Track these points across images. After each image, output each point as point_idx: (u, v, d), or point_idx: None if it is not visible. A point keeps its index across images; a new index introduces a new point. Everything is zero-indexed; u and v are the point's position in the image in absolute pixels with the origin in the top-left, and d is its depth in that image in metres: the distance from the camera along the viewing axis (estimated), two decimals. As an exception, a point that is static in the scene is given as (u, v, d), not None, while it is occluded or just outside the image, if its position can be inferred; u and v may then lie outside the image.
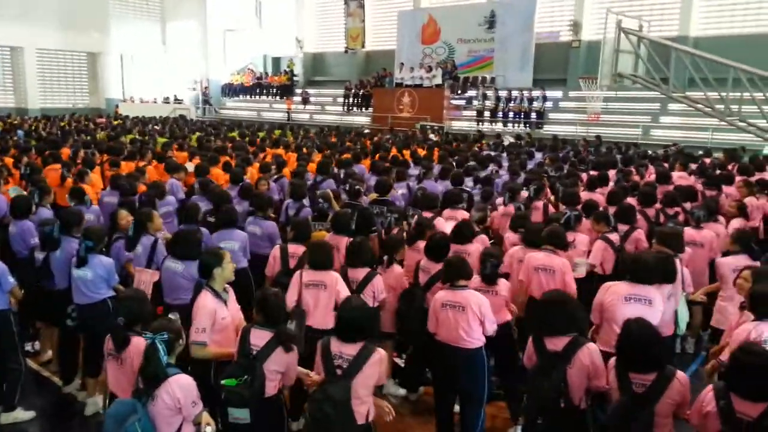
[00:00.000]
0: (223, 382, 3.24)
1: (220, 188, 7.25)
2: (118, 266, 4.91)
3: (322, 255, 4.45)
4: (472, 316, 4.03)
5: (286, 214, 6.87)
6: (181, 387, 2.91)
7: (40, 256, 4.97)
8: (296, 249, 5.17)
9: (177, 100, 30.43)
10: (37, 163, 8.70)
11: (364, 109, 25.72)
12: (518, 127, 21.42)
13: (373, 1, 28.66)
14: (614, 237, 5.80)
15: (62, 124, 18.97)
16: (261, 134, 16.69)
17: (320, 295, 4.36)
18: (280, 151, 12.07)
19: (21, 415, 4.64)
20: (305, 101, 28.36)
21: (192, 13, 30.99)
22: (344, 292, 4.32)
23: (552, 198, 7.81)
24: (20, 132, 15.32)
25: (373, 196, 7.38)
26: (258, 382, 3.25)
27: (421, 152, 12.31)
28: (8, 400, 4.62)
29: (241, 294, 4.35)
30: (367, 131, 19.65)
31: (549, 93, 21.99)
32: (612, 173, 9.24)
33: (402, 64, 25.32)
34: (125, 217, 5.38)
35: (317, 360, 3.38)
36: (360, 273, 4.71)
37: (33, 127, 17.51)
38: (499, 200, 7.42)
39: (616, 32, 13.74)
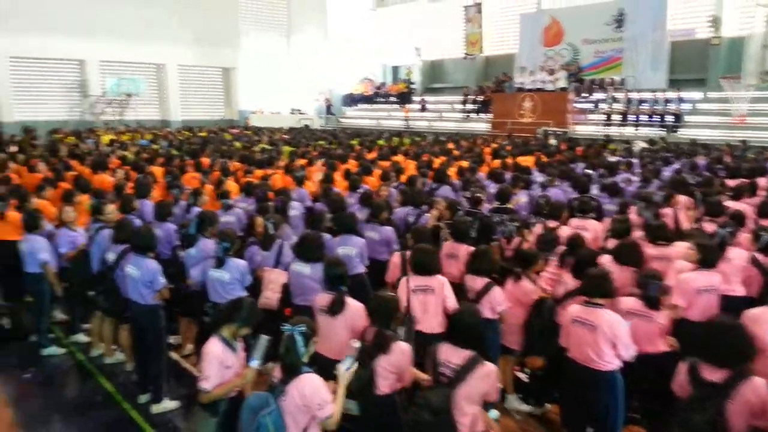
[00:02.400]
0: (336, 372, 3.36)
1: (339, 195, 7.46)
2: (250, 269, 5.18)
3: (428, 259, 4.46)
4: (603, 337, 3.77)
5: (405, 220, 6.90)
6: (310, 386, 3.00)
7: (182, 254, 5.40)
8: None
9: (300, 111, 31.95)
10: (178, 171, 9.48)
11: (483, 115, 25.40)
12: (651, 131, 20.06)
13: (492, 6, 28.28)
14: (762, 257, 5.11)
15: (201, 134, 20.54)
16: (380, 142, 17.02)
17: (428, 300, 4.33)
18: (400, 158, 12.21)
19: (169, 404, 5.03)
20: (423, 108, 28.55)
21: (315, 26, 32.37)
22: (451, 296, 4.36)
23: (689, 207, 7.16)
24: (164, 142, 16.80)
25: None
26: (367, 376, 3.37)
27: (544, 159, 11.90)
28: (156, 391, 5.02)
29: (359, 299, 4.41)
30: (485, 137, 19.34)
31: (685, 94, 20.41)
32: (763, 181, 8.33)
33: (522, 67, 24.71)
34: (261, 224, 5.64)
35: (427, 363, 3.42)
36: (479, 282, 4.64)
37: (170, 138, 19.11)
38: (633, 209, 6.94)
39: (768, 26, 12.39)
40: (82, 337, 6.41)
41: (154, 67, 28.78)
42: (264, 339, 3.24)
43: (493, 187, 8.22)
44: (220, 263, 4.79)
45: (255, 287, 5.10)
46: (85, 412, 5.10)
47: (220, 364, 3.43)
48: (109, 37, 25.81)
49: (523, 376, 5.28)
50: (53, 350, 6.16)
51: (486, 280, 4.65)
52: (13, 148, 13.32)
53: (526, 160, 11.49)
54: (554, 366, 4.36)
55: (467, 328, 3.31)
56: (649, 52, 21.89)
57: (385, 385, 3.49)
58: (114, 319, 5.75)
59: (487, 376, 3.19)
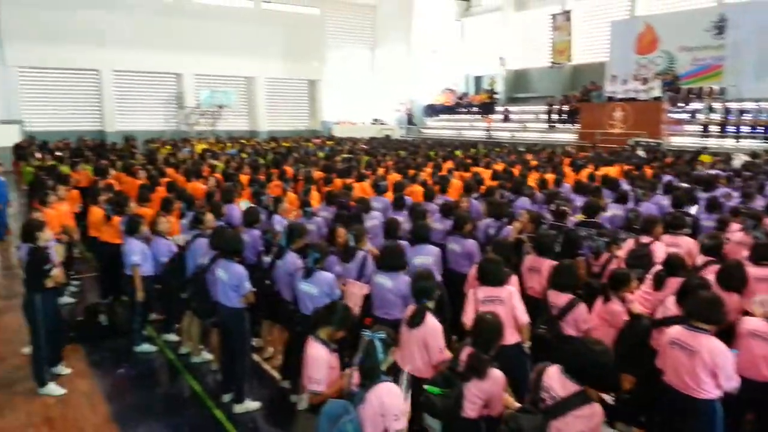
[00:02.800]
0: (426, 386, 3.34)
1: (418, 204, 7.43)
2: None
3: (495, 270, 4.41)
4: (702, 365, 3.50)
5: (486, 233, 6.77)
6: (389, 394, 2.97)
7: (267, 259, 5.54)
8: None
9: (382, 122, 32.36)
10: (263, 180, 9.80)
11: (569, 125, 24.63)
12: (754, 143, 18.68)
13: (582, 14, 27.45)
14: None
15: (285, 144, 21.20)
16: (457, 153, 16.89)
17: (497, 310, 4.14)
18: (480, 169, 12.05)
19: (250, 405, 5.18)
20: (506, 119, 28.08)
21: (399, 37, 32.70)
22: (520, 306, 4.30)
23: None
24: (233, 151, 17.45)
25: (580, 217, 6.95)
26: (455, 397, 3.29)
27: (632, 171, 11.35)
28: (239, 392, 5.17)
29: (436, 310, 4.35)
30: (568, 149, 18.71)
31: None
32: None
33: (613, 76, 23.76)
34: (343, 235, 5.68)
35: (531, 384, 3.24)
36: (562, 298, 4.49)
37: (250, 147, 19.83)
38: (735, 227, 6.46)
39: None
40: (173, 336, 6.73)
41: (244, 79, 30.08)
42: (407, 374, 3.23)
43: (579, 200, 7.91)
44: (308, 274, 4.80)
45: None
46: (172, 409, 5.34)
47: (327, 365, 3.54)
48: (203, 52, 27.32)
49: (608, 398, 5.01)
50: (146, 348, 6.50)
51: (570, 296, 4.49)
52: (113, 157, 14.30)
53: (612, 172, 11.01)
54: (644, 389, 4.11)
55: (593, 365, 2.90)
56: (753, 60, 20.44)
57: (472, 409, 3.36)
58: (202, 320, 5.99)
59: (589, 418, 2.85)
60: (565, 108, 25.21)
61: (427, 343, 3.89)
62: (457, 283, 5.61)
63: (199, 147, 18.94)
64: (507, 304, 4.28)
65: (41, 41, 23.67)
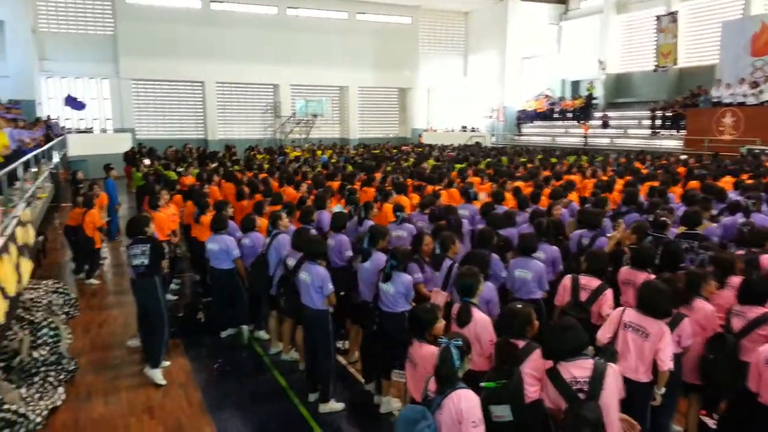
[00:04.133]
0: (482, 384, 3.35)
1: (509, 212, 7.26)
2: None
3: (657, 299, 3.88)
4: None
5: (579, 243, 6.51)
6: (467, 402, 2.93)
7: (357, 265, 5.65)
8: (589, 281, 4.86)
9: (472, 129, 32.07)
10: (355, 187, 9.98)
11: (674, 131, 23.21)
12: None
13: (689, 14, 25.83)
14: None
15: (375, 151, 21.49)
16: (553, 160, 16.37)
17: (639, 344, 3.86)
18: (576, 177, 11.61)
19: (335, 405, 5.29)
20: (605, 125, 26.91)
21: (493, 44, 32.29)
22: (667, 350, 3.80)
23: None
24: (341, 158, 17.85)
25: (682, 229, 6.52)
26: (514, 384, 3.33)
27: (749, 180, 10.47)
28: (324, 392, 5.30)
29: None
30: (683, 156, 17.60)
31: None
32: None
33: (720, 80, 22.14)
34: (429, 242, 5.66)
35: (549, 389, 3.29)
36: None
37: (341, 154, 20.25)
38: None
39: None
40: (263, 334, 7.00)
41: (338, 89, 30.89)
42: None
43: (682, 210, 7.42)
44: (386, 277, 4.92)
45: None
46: (260, 403, 5.54)
47: None
48: (299, 63, 28.41)
49: (710, 422, 4.66)
50: (240, 339, 6.85)
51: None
52: (213, 164, 15.10)
53: (727, 182, 10.21)
54: (741, 408, 3.79)
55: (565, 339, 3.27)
56: None
57: (532, 391, 3.42)
58: (291, 320, 6.20)
59: (617, 374, 3.19)
60: (669, 113, 23.78)
61: (479, 337, 3.96)
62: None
63: (293, 154, 19.61)
64: (653, 340, 3.83)
65: (152, 55, 25.61)
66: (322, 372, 5.30)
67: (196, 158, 17.85)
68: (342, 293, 5.81)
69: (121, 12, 25.49)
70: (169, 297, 8.34)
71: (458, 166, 14.34)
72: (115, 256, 11.45)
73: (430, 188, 9.88)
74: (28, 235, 7.18)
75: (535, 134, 30.60)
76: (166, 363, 6.25)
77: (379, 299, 5.02)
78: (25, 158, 9.49)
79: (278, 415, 5.29)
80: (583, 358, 3.21)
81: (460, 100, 33.13)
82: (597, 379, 3.11)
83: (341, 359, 6.23)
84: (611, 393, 3.11)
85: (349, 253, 6.30)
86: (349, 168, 13.48)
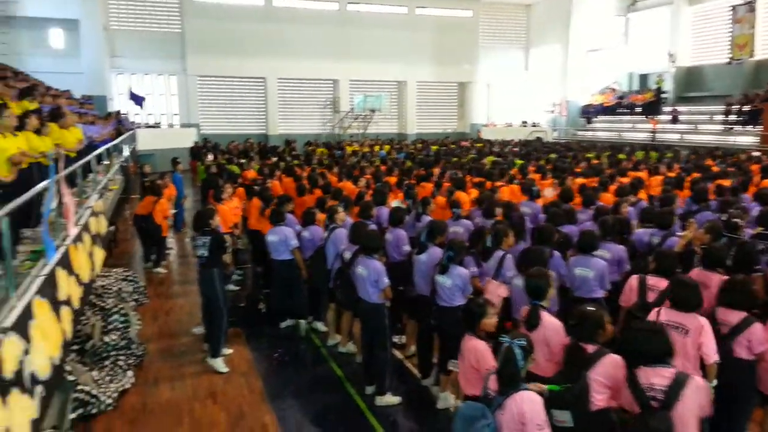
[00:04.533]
0: (547, 387, 3.28)
1: (570, 209, 7.05)
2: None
3: (688, 293, 3.92)
4: None
5: (648, 242, 6.25)
6: (529, 403, 2.88)
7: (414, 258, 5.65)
8: (657, 282, 4.68)
9: (533, 124, 31.42)
10: (412, 182, 9.95)
11: (750, 127, 21.97)
12: None
13: (768, 3, 24.35)
14: None
15: (434, 147, 21.36)
16: (621, 156, 15.80)
17: (681, 341, 3.78)
18: (643, 174, 11.16)
19: (391, 399, 5.31)
20: (675, 120, 25.77)
21: (556, 37, 31.50)
22: (709, 343, 3.77)
23: None
24: (402, 154, 17.85)
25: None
26: (580, 389, 3.23)
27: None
28: (380, 385, 5.33)
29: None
30: (756, 154, 16.65)
31: None
32: None
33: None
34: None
35: (624, 393, 3.15)
36: (734, 316, 4.02)
37: (411, 150, 20.21)
38: None
39: None
40: (321, 326, 7.09)
41: (396, 84, 30.89)
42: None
43: (756, 210, 7.02)
44: (443, 269, 4.91)
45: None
46: (317, 393, 5.63)
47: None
48: (358, 59, 28.58)
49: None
50: (298, 329, 6.98)
51: (743, 314, 3.99)
52: (274, 158, 15.40)
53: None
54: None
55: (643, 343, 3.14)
56: None
57: (599, 399, 3.29)
58: (348, 313, 6.26)
59: (698, 390, 3.00)
60: (746, 108, 22.52)
61: (549, 341, 3.82)
62: (609, 294, 5.27)
63: (350, 149, 19.76)
64: (693, 335, 3.81)
65: (217, 52, 26.34)
66: (379, 365, 5.33)
67: (257, 153, 18.25)
68: (400, 288, 5.81)
69: (188, 10, 26.34)
70: (231, 288, 8.57)
71: (518, 161, 14.07)
72: (181, 247, 11.87)
73: (489, 184, 9.73)
74: (100, 225, 7.53)
75: (601, 129, 29.65)
76: (228, 351, 6.43)
77: (435, 293, 5.00)
78: (97, 151, 9.94)
79: (335, 406, 5.35)
80: (665, 366, 3.07)
81: (521, 95, 32.52)
82: (674, 389, 2.97)
83: (398, 353, 6.24)
84: (689, 407, 2.95)
85: (407, 248, 6.30)
86: (408, 163, 13.44)
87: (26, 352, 3.17)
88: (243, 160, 15.22)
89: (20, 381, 2.99)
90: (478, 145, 22.78)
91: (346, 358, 6.36)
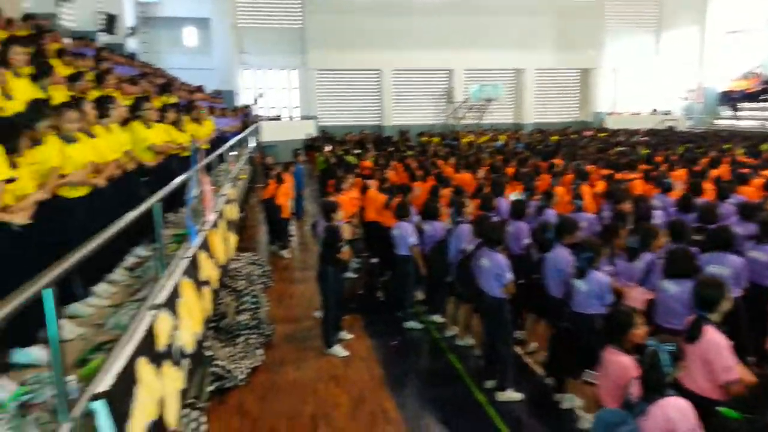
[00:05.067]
0: (720, 408, 2.98)
1: (710, 204, 6.47)
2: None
3: None
4: None
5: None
6: (679, 412, 2.67)
7: (535, 253, 5.44)
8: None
9: (664, 112, 29.29)
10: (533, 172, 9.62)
11: None
12: None
13: None
14: None
15: (553, 138, 20.58)
16: (764, 147, 14.31)
17: None
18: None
19: (513, 395, 5.19)
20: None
21: (691, 18, 29.10)
22: None
23: None
24: (520, 144, 17.37)
25: None
26: (761, 428, 2.91)
27: None
28: (502, 380, 5.23)
29: (730, 328, 3.71)
30: None
31: None
32: None
33: None
34: (625, 236, 5.25)
35: None
36: None
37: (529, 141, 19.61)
38: None
39: None
40: (438, 318, 7.08)
41: (513, 72, 30.05)
42: None
43: None
44: (580, 274, 4.55)
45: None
46: (437, 384, 5.64)
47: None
48: (474, 47, 28.07)
49: None
50: (413, 324, 6.96)
51: None
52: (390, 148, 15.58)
53: None
54: None
55: None
56: None
57: None
58: (467, 306, 6.19)
59: None
60: None
61: (708, 360, 3.37)
62: (760, 299, 4.79)
63: (465, 140, 19.53)
64: None
65: (335, 46, 27.07)
66: (500, 360, 5.22)
67: (373, 143, 18.57)
68: (520, 282, 5.63)
69: (309, 5, 27.26)
70: (349, 275, 8.79)
71: (645, 151, 13.19)
72: (301, 235, 12.36)
73: (618, 176, 9.20)
74: (233, 212, 8.03)
75: (743, 118, 27.02)
76: (349, 336, 6.61)
77: (569, 296, 4.69)
78: (229, 143, 10.61)
79: (454, 398, 5.32)
80: None
81: (651, 81, 30.40)
82: None
83: (518, 349, 6.08)
84: None
85: (527, 241, 6.10)
86: (527, 154, 13.06)
87: (175, 327, 3.43)
88: (359, 151, 15.58)
89: (171, 354, 3.25)
90: (602, 134, 21.64)
91: (464, 350, 6.30)
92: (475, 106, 28.54)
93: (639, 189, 8.48)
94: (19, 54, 4.99)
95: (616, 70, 30.75)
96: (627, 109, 30.30)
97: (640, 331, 3.32)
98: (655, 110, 29.77)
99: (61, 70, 6.44)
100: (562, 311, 4.77)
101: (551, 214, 6.64)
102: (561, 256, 5.02)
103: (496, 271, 5.08)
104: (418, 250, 6.77)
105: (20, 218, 3.19)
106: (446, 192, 8.07)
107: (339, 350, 6.25)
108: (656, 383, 2.74)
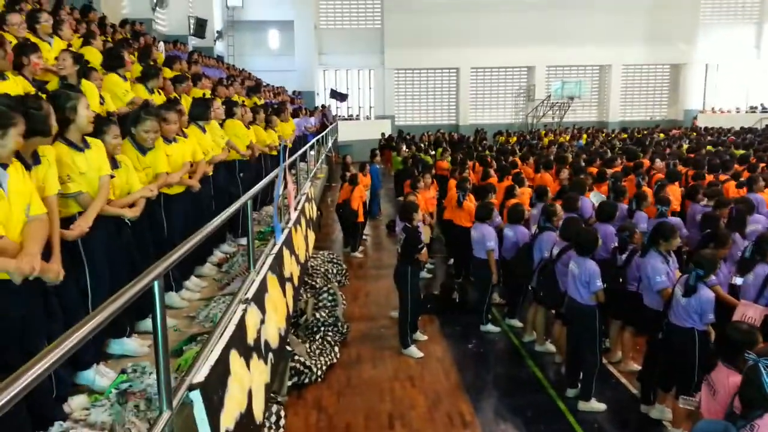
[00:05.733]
0: None
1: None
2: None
3: None
4: None
5: None
6: None
7: (622, 257, 5.21)
8: None
9: (764, 109, 27.32)
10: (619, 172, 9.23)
11: None
12: None
13: None
14: None
15: (638, 135, 19.68)
16: None
17: None
18: None
19: (596, 405, 5.02)
20: None
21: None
22: None
23: None
24: (580, 143, 16.70)
25: None
26: None
27: None
28: (585, 389, 5.07)
29: None
30: None
31: None
32: None
33: None
34: (730, 244, 4.94)
35: None
36: None
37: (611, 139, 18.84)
38: None
39: None
40: (517, 322, 6.94)
41: (598, 68, 28.96)
42: None
43: None
44: (690, 291, 4.21)
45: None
46: (516, 390, 5.52)
47: None
48: (557, 43, 27.28)
49: None
50: (490, 328, 6.85)
51: None
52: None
53: None
54: None
55: None
56: None
57: None
58: (548, 311, 6.03)
59: None
60: None
61: None
62: None
63: (546, 139, 19.04)
64: None
65: (413, 45, 27.11)
66: (585, 369, 5.05)
67: (449, 143, 18.44)
68: (604, 286, 5.40)
69: (389, 5, 27.42)
70: (424, 275, 8.77)
71: (737, 152, 12.36)
72: (376, 234, 12.46)
73: (709, 177, 8.69)
74: (312, 210, 8.22)
75: None
76: (423, 337, 6.60)
77: (669, 305, 4.46)
78: (310, 143, 10.87)
79: (534, 405, 5.19)
80: None
81: (750, 77, 28.42)
82: None
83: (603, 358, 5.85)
84: None
85: (614, 245, 5.85)
86: (611, 153, 12.55)
87: (262, 321, 3.54)
88: (434, 151, 15.52)
89: (258, 348, 3.35)
90: (693, 133, 20.49)
91: (544, 356, 6.14)
92: (557, 103, 27.76)
93: (732, 192, 7.98)
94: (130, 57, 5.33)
95: (709, 65, 29.02)
96: (721, 107, 28.50)
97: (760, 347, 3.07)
98: (753, 107, 27.81)
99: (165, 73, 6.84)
100: (657, 321, 4.54)
101: (642, 217, 6.36)
102: (654, 264, 4.76)
103: (584, 278, 4.88)
104: (494, 255, 6.61)
105: (132, 213, 3.47)
106: (525, 192, 7.89)
107: (415, 351, 6.24)
108: (757, 400, 2.56)
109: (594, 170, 9.79)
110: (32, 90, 3.69)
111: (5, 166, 2.36)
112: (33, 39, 4.77)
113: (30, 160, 2.63)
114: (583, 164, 10.35)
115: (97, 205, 3.09)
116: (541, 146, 16.03)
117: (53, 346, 1.42)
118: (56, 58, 4.59)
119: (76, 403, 2.84)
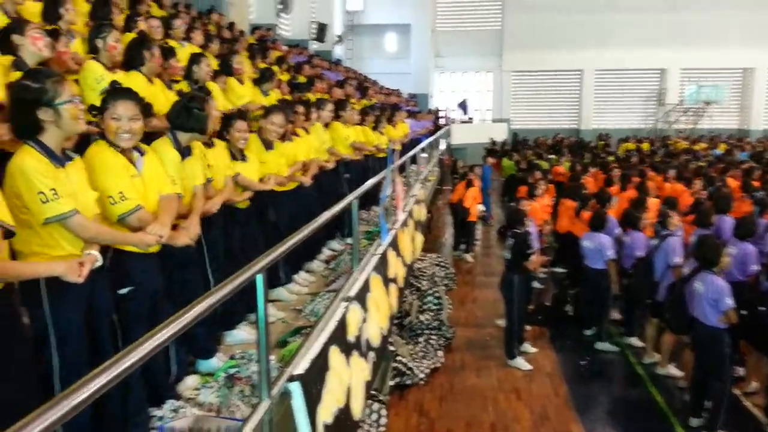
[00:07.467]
0: None
1: None
2: None
3: None
4: None
5: None
6: None
7: (765, 282, 4.67)
8: None
9: None
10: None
11: None
12: None
13: None
14: None
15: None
16: None
17: None
18: None
19: None
20: None
21: None
22: None
23: None
24: (743, 154, 15.22)
25: None
26: None
27: None
28: (712, 420, 4.61)
29: None
30: None
31: None
32: None
33: None
34: None
35: None
36: None
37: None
38: None
39: None
40: (636, 341, 6.44)
41: (740, 71, 26.44)
42: None
43: None
44: None
45: None
46: (632, 415, 5.14)
47: None
48: (692, 45, 25.21)
49: None
50: (606, 346, 6.41)
51: None
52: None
53: None
54: None
55: None
56: None
57: None
58: (674, 334, 5.53)
59: None
60: None
61: None
62: None
63: (679, 146, 17.66)
64: None
65: (533, 47, 26.27)
66: (711, 397, 4.57)
67: (569, 148, 17.64)
68: (742, 312, 4.86)
69: (510, 6, 26.80)
70: (536, 285, 8.42)
71: None
72: (486, 239, 12.18)
73: None
74: (421, 213, 8.16)
75: None
76: (533, 349, 6.32)
77: None
78: (421, 145, 10.83)
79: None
80: None
81: None
82: None
83: (735, 389, 5.26)
84: None
85: (755, 268, 5.26)
86: (754, 164, 11.36)
87: (364, 320, 3.53)
88: (552, 156, 14.90)
89: (359, 345, 3.34)
90: None
91: (665, 380, 5.64)
92: (691, 109, 25.67)
93: None
94: (242, 63, 5.56)
95: None
96: None
97: None
98: None
99: (282, 76, 7.12)
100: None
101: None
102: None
103: (712, 296, 4.45)
104: (614, 265, 6.21)
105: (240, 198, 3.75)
106: (654, 203, 7.31)
107: (522, 363, 5.99)
108: None
109: (735, 183, 8.91)
110: (171, 94, 3.93)
111: (142, 153, 2.65)
112: (171, 43, 5.10)
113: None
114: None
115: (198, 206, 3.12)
116: (674, 154, 14.83)
117: (163, 326, 1.47)
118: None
119: (188, 383, 3.00)
